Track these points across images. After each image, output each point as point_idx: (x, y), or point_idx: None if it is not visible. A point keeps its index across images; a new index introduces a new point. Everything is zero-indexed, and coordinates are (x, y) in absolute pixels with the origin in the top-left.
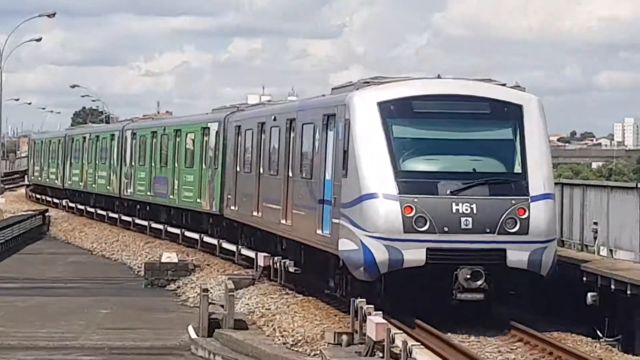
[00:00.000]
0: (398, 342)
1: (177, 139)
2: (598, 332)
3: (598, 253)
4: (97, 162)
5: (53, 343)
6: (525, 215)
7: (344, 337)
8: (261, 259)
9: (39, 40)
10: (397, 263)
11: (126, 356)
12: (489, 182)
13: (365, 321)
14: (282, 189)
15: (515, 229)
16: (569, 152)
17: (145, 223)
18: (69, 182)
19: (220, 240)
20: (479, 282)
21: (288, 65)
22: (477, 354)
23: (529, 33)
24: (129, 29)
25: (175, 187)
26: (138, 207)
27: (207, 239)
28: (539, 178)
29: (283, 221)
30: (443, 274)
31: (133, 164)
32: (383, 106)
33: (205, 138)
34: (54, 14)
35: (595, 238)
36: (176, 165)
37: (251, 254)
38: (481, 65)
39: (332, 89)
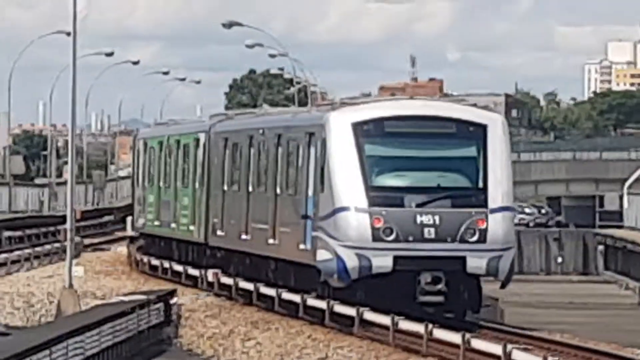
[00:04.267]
0: None
1: (178, 151)
2: None
3: None
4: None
5: None
6: (484, 226)
7: None
8: None
9: None
10: (366, 269)
11: None
12: (451, 195)
13: None
14: (270, 207)
15: (475, 238)
16: None
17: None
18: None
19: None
20: (439, 286)
21: None
22: None
23: None
24: None
25: (176, 212)
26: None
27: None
28: (498, 192)
29: (271, 240)
30: (408, 279)
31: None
32: (357, 126)
33: (197, 151)
34: None
35: None
36: (177, 184)
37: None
38: None
39: (316, 105)
